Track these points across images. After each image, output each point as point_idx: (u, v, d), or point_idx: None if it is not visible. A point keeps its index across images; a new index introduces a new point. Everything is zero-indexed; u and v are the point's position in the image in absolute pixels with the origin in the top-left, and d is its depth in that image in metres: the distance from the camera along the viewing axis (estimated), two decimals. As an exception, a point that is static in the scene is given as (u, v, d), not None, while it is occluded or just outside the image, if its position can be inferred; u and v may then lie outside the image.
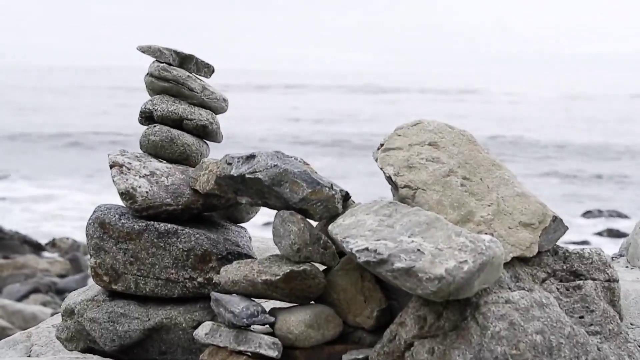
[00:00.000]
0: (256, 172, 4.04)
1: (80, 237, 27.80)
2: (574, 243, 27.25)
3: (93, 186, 35.81)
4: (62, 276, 24.12)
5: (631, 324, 5.04)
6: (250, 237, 4.70)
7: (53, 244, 27.26)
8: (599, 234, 28.65)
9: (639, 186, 36.89)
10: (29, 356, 5.47)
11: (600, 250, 4.13)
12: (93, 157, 41.13)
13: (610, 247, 26.61)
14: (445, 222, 3.77)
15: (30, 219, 31.01)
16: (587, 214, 31.96)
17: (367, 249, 3.68)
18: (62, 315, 4.60)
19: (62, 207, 32.62)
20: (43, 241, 27.22)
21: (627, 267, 6.46)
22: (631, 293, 5.18)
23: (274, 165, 4.03)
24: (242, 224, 4.83)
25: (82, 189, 35.36)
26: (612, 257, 6.87)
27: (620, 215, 31.81)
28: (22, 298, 20.97)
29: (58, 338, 4.67)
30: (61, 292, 22.19)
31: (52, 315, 16.10)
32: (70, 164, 39.73)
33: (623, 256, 6.84)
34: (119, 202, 4.49)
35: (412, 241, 3.68)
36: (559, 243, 4.24)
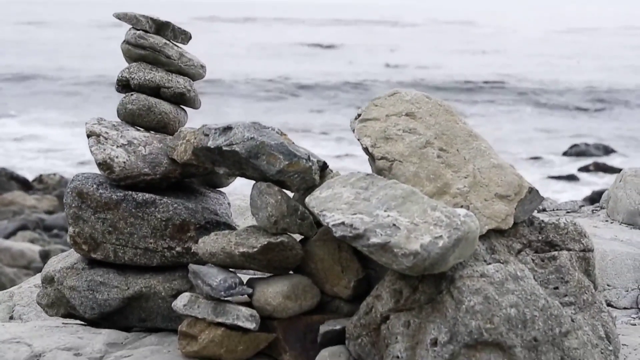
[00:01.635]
0: (233, 144, 4.04)
1: (67, 173, 27.81)
2: (561, 177, 27.41)
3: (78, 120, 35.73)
4: (49, 212, 24.14)
5: (608, 285, 5.11)
6: (229, 203, 4.71)
7: (40, 180, 27.23)
8: (586, 168, 28.77)
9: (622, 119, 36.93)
10: (12, 317, 5.52)
11: (576, 221, 4.15)
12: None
13: (597, 181, 26.77)
14: (421, 196, 3.79)
15: (17, 155, 30.96)
16: (574, 147, 32.05)
17: (343, 223, 3.70)
18: (42, 282, 4.62)
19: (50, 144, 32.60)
20: (30, 177, 27.20)
21: (607, 221, 6.52)
22: (608, 254, 5.24)
23: (251, 138, 4.03)
24: (221, 189, 4.84)
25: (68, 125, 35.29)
26: (593, 210, 6.93)
27: (606, 149, 31.90)
28: (9, 235, 21.01)
29: (39, 303, 4.69)
30: (49, 229, 22.25)
31: (38, 262, 16.14)
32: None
33: (604, 209, 6.89)
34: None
35: (388, 215, 3.69)
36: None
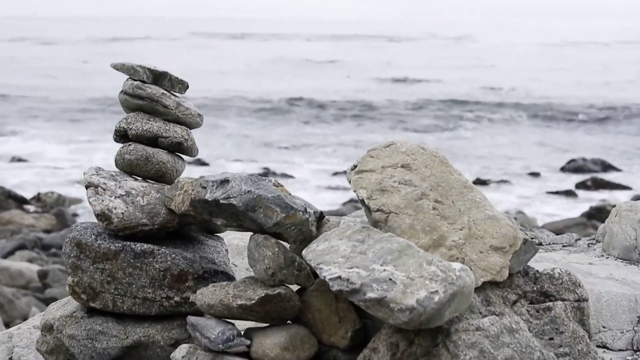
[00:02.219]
0: (230, 197, 4.08)
1: (64, 191, 27.83)
2: (558, 193, 27.44)
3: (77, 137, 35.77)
4: (47, 231, 24.16)
5: (603, 327, 5.15)
6: (226, 250, 4.75)
7: (38, 199, 27.26)
8: (583, 184, 28.82)
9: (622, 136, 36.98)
10: (11, 358, 5.55)
11: (570, 271, 4.19)
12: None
13: (594, 197, 26.82)
14: (416, 250, 3.83)
15: (15, 174, 31.00)
16: (571, 162, 32.11)
17: (340, 277, 3.74)
18: (42, 330, 4.66)
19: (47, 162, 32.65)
20: (28, 196, 27.20)
21: (602, 256, 6.54)
22: (603, 295, 5.27)
23: (248, 191, 4.07)
24: (218, 234, 4.88)
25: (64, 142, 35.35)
26: (588, 244, 6.97)
27: (604, 164, 31.94)
28: (8, 255, 21.01)
29: (38, 350, 4.73)
30: (47, 248, 22.26)
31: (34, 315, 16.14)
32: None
33: (599, 242, 6.92)
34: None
35: (384, 270, 3.73)
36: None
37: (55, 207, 26.31)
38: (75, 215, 25.61)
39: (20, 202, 26.63)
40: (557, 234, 22.01)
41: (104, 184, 4.47)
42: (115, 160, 4.64)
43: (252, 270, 4.17)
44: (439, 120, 40.41)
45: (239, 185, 4.10)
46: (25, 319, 16.52)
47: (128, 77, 4.65)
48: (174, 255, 4.41)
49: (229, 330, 4.05)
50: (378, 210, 4.14)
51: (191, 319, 4.15)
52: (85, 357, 4.49)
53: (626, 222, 6.46)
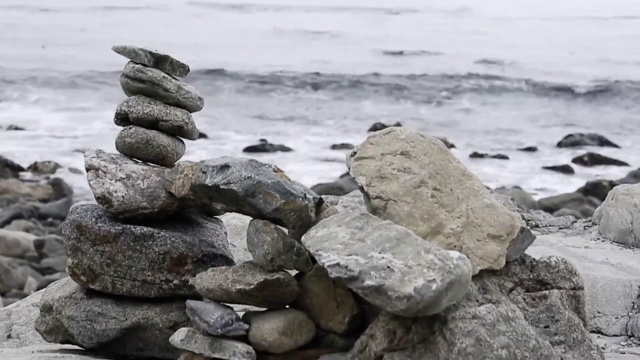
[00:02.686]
0: (230, 183, 4.11)
1: (61, 160, 27.81)
2: (555, 168, 27.48)
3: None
4: (44, 201, 24.17)
5: (598, 312, 5.20)
6: (226, 232, 4.78)
7: (35, 168, 27.25)
8: (580, 159, 28.85)
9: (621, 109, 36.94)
10: (9, 335, 5.59)
11: (566, 259, 4.22)
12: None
13: (591, 172, 26.86)
14: (415, 238, 3.86)
15: (12, 142, 30.96)
16: (568, 137, 32.13)
17: (338, 264, 3.77)
18: (41, 311, 4.69)
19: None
20: (24, 165, 27.17)
21: (598, 239, 6.58)
22: (599, 280, 5.32)
23: (248, 177, 4.09)
24: (218, 216, 4.90)
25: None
26: (585, 227, 7.00)
27: (601, 140, 31.95)
28: (4, 224, 21.03)
29: (37, 330, 4.77)
30: (44, 217, 22.29)
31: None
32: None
33: (596, 225, 6.96)
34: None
35: (383, 257, 3.76)
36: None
37: (52, 176, 26.30)
38: (71, 184, 25.61)
39: (17, 170, 26.63)
40: (553, 210, 21.97)
41: (105, 167, 4.50)
42: (116, 143, 4.67)
43: (250, 253, 4.20)
44: (437, 93, 40.36)
45: (239, 171, 4.12)
46: (21, 288, 16.58)
47: (129, 60, 4.66)
48: (173, 239, 4.44)
49: (227, 315, 4.09)
50: (377, 197, 4.17)
51: (190, 303, 4.19)
52: (84, 338, 4.53)
53: (622, 205, 6.50)
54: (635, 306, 5.27)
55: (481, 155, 29.14)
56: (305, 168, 27.48)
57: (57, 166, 27.37)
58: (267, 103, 37.35)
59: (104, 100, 36.37)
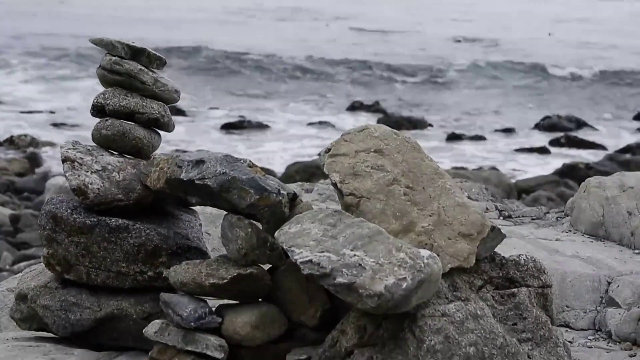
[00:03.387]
0: (205, 178, 4.15)
1: (38, 134, 27.67)
2: (532, 149, 27.60)
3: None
4: (20, 175, 24.06)
5: (567, 306, 5.28)
6: (200, 224, 4.82)
7: (11, 141, 27.10)
8: (557, 141, 28.96)
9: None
10: (-16, 321, 5.62)
11: (535, 258, 4.30)
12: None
13: (568, 154, 27.01)
14: (386, 236, 3.92)
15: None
16: (546, 119, 32.24)
17: (311, 261, 3.82)
18: (16, 299, 4.73)
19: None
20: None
21: (570, 230, 6.67)
22: (568, 275, 5.41)
23: (223, 173, 4.14)
24: (193, 207, 4.94)
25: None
26: (557, 218, 7.08)
27: (579, 122, 32.08)
28: (-21, 198, 20.91)
29: (12, 317, 4.81)
30: (19, 192, 22.19)
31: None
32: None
33: (568, 216, 7.04)
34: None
35: (355, 255, 3.82)
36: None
37: (28, 150, 26.17)
38: (48, 158, 25.51)
39: (-7, 144, 26.48)
40: (530, 192, 21.98)
41: (81, 158, 4.53)
42: (92, 135, 4.69)
43: (224, 247, 4.25)
44: (418, 73, 40.39)
45: (214, 166, 4.17)
46: (-4, 263, 16.56)
47: (106, 52, 4.68)
48: (148, 231, 4.48)
49: (200, 309, 4.14)
50: (350, 194, 4.22)
51: (164, 296, 4.23)
52: (59, 328, 4.57)
53: (594, 198, 6.58)
54: (603, 301, 5.36)
55: (459, 136, 29.22)
56: (283, 146, 27.50)
57: (33, 140, 27.21)
58: (244, 81, 37.26)
59: (80, 71, 36.15)
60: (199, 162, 4.21)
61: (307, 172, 22.16)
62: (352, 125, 29.44)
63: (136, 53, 4.68)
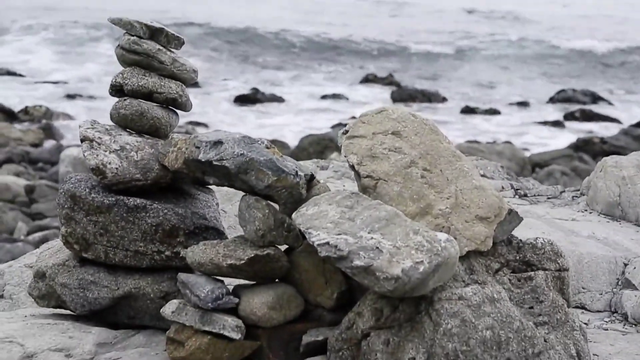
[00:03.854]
0: (223, 159, 4.16)
1: (53, 105, 27.73)
2: (547, 123, 27.51)
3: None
4: (35, 145, 24.14)
5: (583, 288, 5.28)
6: (217, 203, 4.83)
7: (26, 112, 27.16)
8: (572, 114, 28.87)
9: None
10: (2, 296, 5.67)
11: (552, 241, 4.30)
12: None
13: (582, 128, 26.91)
14: (404, 219, 3.92)
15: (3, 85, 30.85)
16: (561, 93, 32.13)
17: (328, 243, 3.83)
18: (34, 277, 4.76)
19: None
20: (15, 108, 27.06)
21: (585, 210, 6.65)
22: (585, 256, 5.40)
23: (241, 154, 4.15)
24: (210, 186, 4.95)
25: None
26: (573, 197, 7.07)
27: (594, 96, 31.94)
28: (-6, 168, 20.99)
29: (30, 294, 4.84)
30: (34, 162, 22.28)
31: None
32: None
33: (584, 195, 7.03)
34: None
35: (372, 237, 3.83)
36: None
37: (43, 120, 26.24)
38: (63, 129, 25.59)
39: (8, 114, 26.54)
40: (544, 166, 21.92)
41: (99, 138, 4.54)
42: (111, 114, 4.70)
43: (242, 228, 4.27)
44: (432, 47, 40.22)
45: (232, 148, 4.17)
46: (11, 233, 16.65)
47: (125, 32, 4.68)
48: (165, 211, 4.50)
49: (218, 289, 4.16)
50: (367, 176, 4.23)
51: (182, 276, 4.25)
52: (77, 306, 4.60)
53: (610, 178, 6.56)
54: (620, 282, 5.36)
55: (473, 110, 29.16)
56: (295, 118, 27.50)
57: (48, 110, 27.27)
58: (258, 52, 37.15)
59: (92, 40, 36.10)
60: (217, 143, 4.22)
61: (320, 144, 22.18)
62: (365, 98, 29.40)
63: (154, 33, 4.68)
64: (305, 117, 27.49)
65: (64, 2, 44.99)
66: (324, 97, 30.37)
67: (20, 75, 32.45)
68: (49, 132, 25.19)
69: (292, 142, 23.26)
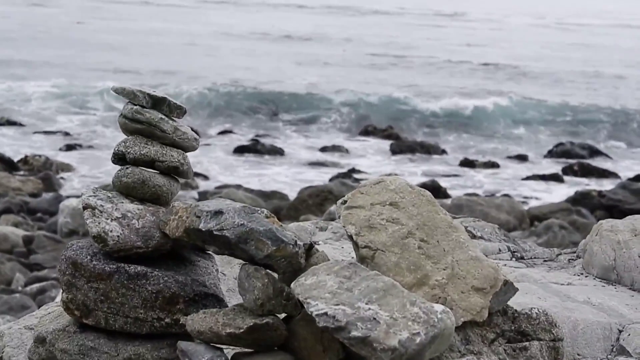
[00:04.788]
0: (223, 229, 4.23)
1: (52, 155, 27.84)
2: (545, 177, 27.61)
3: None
4: (34, 195, 24.20)
5: (578, 355, 5.33)
6: (217, 270, 4.90)
7: (25, 161, 27.27)
8: (570, 168, 28.99)
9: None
10: (1, 357, 5.69)
11: (547, 311, 4.35)
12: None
13: (581, 182, 27.01)
14: (401, 290, 3.98)
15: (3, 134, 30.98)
16: (559, 146, 32.29)
17: (326, 313, 3.89)
18: (34, 342, 4.80)
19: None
20: (15, 158, 27.17)
21: (582, 274, 6.71)
22: (580, 323, 5.45)
23: (241, 224, 4.22)
24: (209, 252, 5.02)
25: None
26: (569, 260, 7.13)
27: (591, 150, 32.09)
28: (-7, 218, 21.02)
29: (30, 359, 4.88)
30: (33, 212, 22.33)
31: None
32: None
33: (580, 258, 7.09)
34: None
35: (369, 308, 3.89)
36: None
37: (42, 170, 26.33)
38: (62, 179, 25.68)
39: (8, 164, 26.64)
40: (542, 220, 21.90)
41: (101, 206, 4.61)
42: (112, 182, 4.78)
43: (241, 297, 4.33)
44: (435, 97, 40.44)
45: (233, 218, 4.25)
46: (9, 284, 16.65)
47: (128, 101, 4.78)
48: (166, 278, 4.56)
49: (217, 357, 4.21)
50: (365, 247, 4.30)
51: (181, 344, 4.31)
52: (77, 372, 4.65)
53: (606, 242, 6.62)
54: (614, 349, 5.40)
55: (472, 162, 29.31)
56: (294, 170, 27.62)
57: (47, 160, 27.39)
58: (255, 104, 37.32)
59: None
60: (218, 213, 4.29)
61: (319, 196, 22.29)
62: (364, 150, 29.44)
63: (157, 102, 4.78)
64: (303, 169, 27.62)
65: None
66: (323, 149, 30.51)
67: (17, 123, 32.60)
68: (48, 181, 25.28)
69: (292, 193, 23.37)
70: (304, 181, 25.44)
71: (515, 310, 4.33)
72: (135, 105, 4.75)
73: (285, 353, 4.36)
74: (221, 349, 4.32)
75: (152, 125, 4.74)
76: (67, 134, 31.62)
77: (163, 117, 4.77)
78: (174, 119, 4.87)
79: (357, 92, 39.01)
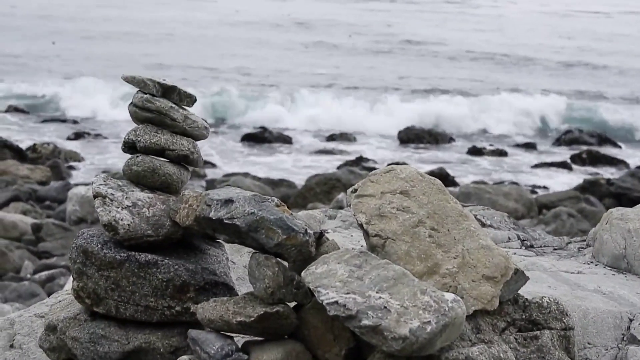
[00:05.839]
0: (233, 218, 4.23)
1: (60, 143, 27.86)
2: (553, 164, 27.55)
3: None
4: (42, 183, 24.23)
5: (589, 344, 5.32)
6: (227, 258, 4.90)
7: (34, 150, 27.29)
8: (579, 156, 28.91)
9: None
10: (12, 345, 5.71)
11: (558, 299, 4.35)
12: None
13: (589, 169, 26.95)
14: (411, 279, 3.98)
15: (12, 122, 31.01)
16: (568, 134, 32.20)
17: (337, 302, 3.90)
18: (45, 330, 4.82)
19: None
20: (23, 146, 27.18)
21: (591, 262, 6.69)
22: (590, 311, 5.44)
23: (251, 213, 4.22)
24: (219, 240, 5.02)
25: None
26: (579, 248, 7.12)
27: (600, 137, 31.98)
28: (1, 206, 21.05)
29: (41, 347, 4.90)
30: (41, 200, 22.36)
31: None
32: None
33: (590, 246, 7.07)
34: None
35: (380, 297, 3.89)
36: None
37: (50, 158, 26.36)
38: (70, 167, 25.70)
39: (16, 152, 26.66)
40: (550, 208, 21.83)
41: (112, 194, 4.62)
42: (123, 171, 4.78)
43: (252, 285, 4.33)
44: (441, 82, 40.37)
45: (243, 206, 4.25)
46: (17, 272, 16.67)
47: (138, 89, 4.77)
48: (176, 267, 4.56)
49: (227, 346, 4.22)
50: (376, 235, 4.29)
51: (192, 333, 4.31)
52: (87, 359, 4.66)
53: (616, 230, 6.61)
54: (625, 338, 5.39)
55: (480, 150, 29.26)
56: (303, 158, 27.60)
57: (55, 148, 27.41)
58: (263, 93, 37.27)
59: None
60: (228, 202, 4.29)
61: (327, 184, 22.27)
62: (372, 137, 29.37)
63: (167, 91, 4.77)
64: (312, 157, 27.61)
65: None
66: (330, 137, 30.48)
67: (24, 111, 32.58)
68: (57, 170, 25.29)
69: (299, 181, 23.37)
70: (311, 169, 25.43)
71: (526, 299, 4.32)
72: (146, 93, 4.75)
73: (296, 341, 4.36)
74: (231, 337, 4.32)
75: (162, 114, 4.73)
76: (75, 122, 31.64)
77: (173, 105, 4.77)
78: (184, 107, 4.86)
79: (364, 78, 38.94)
